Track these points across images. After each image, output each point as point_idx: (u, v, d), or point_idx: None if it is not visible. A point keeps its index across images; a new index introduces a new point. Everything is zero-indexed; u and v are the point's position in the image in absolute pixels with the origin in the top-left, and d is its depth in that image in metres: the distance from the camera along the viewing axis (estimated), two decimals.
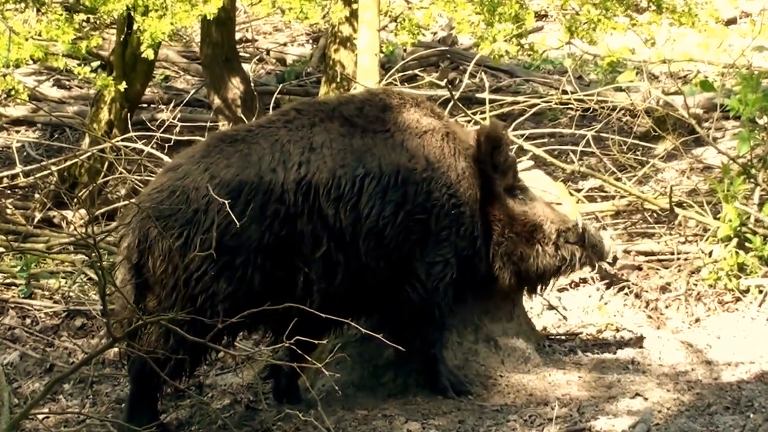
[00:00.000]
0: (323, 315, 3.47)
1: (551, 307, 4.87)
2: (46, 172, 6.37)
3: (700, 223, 5.32)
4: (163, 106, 8.00)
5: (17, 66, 5.86)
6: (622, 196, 5.72)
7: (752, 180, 5.22)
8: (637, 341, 4.52)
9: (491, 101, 6.12)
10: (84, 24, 6.80)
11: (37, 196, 6.54)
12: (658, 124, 6.26)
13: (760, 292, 4.84)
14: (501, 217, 3.94)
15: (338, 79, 6.36)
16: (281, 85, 7.52)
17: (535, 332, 4.48)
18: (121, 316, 3.68)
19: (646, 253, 5.36)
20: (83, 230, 5.31)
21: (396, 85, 6.05)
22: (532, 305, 4.74)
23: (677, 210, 5.33)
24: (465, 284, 3.93)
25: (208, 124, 7.06)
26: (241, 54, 7.88)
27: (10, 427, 3.30)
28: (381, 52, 5.86)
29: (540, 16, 8.65)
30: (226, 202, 3.50)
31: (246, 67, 7.38)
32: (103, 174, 6.24)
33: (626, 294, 4.99)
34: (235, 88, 6.84)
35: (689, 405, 3.77)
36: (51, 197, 6.32)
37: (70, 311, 5.13)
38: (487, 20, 5.65)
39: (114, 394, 4.40)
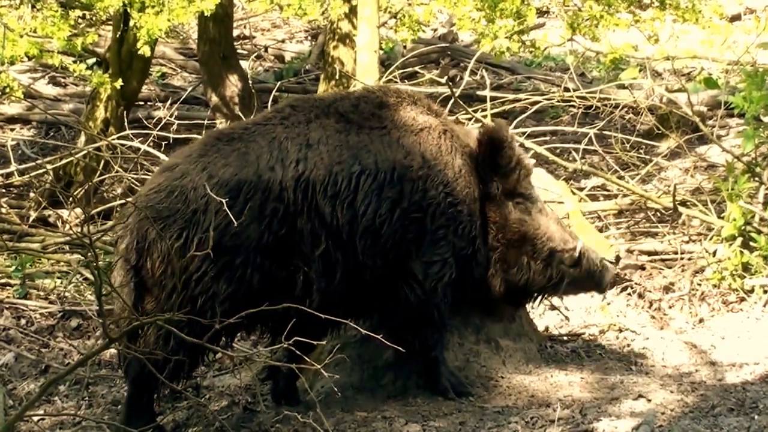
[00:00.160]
0: (322, 315, 3.43)
1: (553, 308, 4.84)
2: (41, 171, 6.36)
3: (704, 222, 5.30)
4: (159, 104, 7.97)
5: (12, 63, 5.84)
6: (624, 195, 5.69)
7: (757, 178, 5.22)
8: None
9: (492, 99, 6.09)
10: (80, 20, 6.76)
11: (32, 194, 6.54)
12: (661, 122, 6.24)
13: (765, 291, 4.83)
14: (496, 220, 3.89)
15: (337, 77, 6.32)
16: (279, 82, 7.47)
17: (537, 333, 4.46)
18: (120, 317, 3.65)
19: (649, 253, 5.34)
20: (79, 229, 5.28)
21: (396, 82, 6.02)
22: (534, 305, 4.69)
23: (681, 209, 5.31)
24: (465, 286, 3.89)
25: (206, 122, 7.02)
26: (238, 51, 7.86)
27: (6, 429, 3.28)
28: (381, 49, 5.83)
29: (542, 13, 8.61)
30: (225, 201, 3.48)
31: (244, 64, 7.36)
32: (99, 172, 6.21)
33: (629, 294, 4.98)
34: (233, 85, 6.80)
35: (693, 406, 3.75)
36: (46, 196, 6.31)
37: (65, 312, 5.12)
38: (488, 17, 5.61)
39: (110, 396, 4.39)
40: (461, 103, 5.69)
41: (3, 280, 5.43)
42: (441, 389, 3.91)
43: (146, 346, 3.60)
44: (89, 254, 3.23)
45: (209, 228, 3.53)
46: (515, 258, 3.89)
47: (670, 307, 4.88)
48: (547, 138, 6.62)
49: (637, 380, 4.04)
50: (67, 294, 5.26)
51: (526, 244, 3.90)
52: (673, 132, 6.06)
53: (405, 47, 8.06)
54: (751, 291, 4.85)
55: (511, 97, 6.50)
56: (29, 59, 6.35)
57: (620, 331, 4.68)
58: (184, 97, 8.01)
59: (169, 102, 7.88)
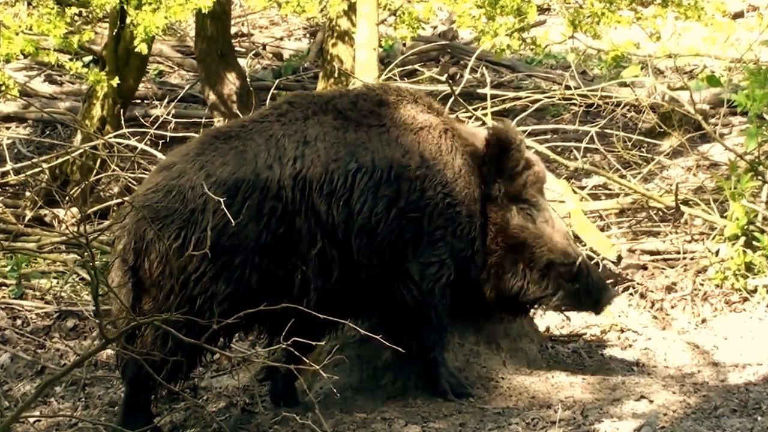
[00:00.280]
0: (320, 315, 3.41)
1: None
2: (37, 170, 6.32)
3: (706, 222, 5.28)
4: (156, 102, 7.93)
5: (7, 61, 5.81)
6: (626, 194, 5.67)
7: (760, 177, 5.19)
8: None
9: (493, 97, 6.06)
10: (76, 18, 6.74)
11: (28, 194, 6.51)
12: (663, 120, 6.21)
13: None
14: (497, 222, 3.84)
15: (336, 75, 6.28)
16: (278, 80, 7.45)
17: (538, 333, 4.45)
18: (117, 318, 3.63)
19: (651, 252, 5.32)
20: (75, 229, 5.24)
21: (395, 80, 5.98)
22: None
23: (683, 208, 5.28)
24: (464, 288, 3.85)
25: (203, 120, 6.99)
26: (236, 49, 7.82)
27: (1, 430, 3.23)
28: (380, 46, 5.81)
29: (542, 10, 8.57)
30: (223, 200, 3.45)
31: (242, 62, 7.33)
32: (95, 171, 6.17)
33: (631, 294, 4.96)
34: (231, 83, 6.76)
35: (695, 407, 3.73)
36: (42, 195, 6.29)
37: (61, 312, 5.10)
38: (488, 14, 5.57)
39: (107, 397, 4.38)
40: (461, 101, 5.66)
41: None
42: (440, 391, 3.89)
43: (144, 347, 3.58)
44: (86, 254, 3.23)
45: (207, 228, 3.50)
46: (511, 264, 3.84)
47: (672, 308, 4.87)
48: (548, 136, 6.59)
49: (639, 381, 4.03)
50: (63, 294, 5.25)
51: (524, 251, 3.84)
52: (675, 130, 6.03)
53: (404, 45, 8.03)
54: (754, 291, 4.83)
55: (511, 95, 6.46)
56: (25, 57, 6.33)
57: (622, 331, 4.66)
58: (181, 95, 7.96)
59: (166, 100, 7.84)
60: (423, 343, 3.83)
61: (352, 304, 3.80)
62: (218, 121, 6.71)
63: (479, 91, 7.03)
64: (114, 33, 6.34)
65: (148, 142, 6.15)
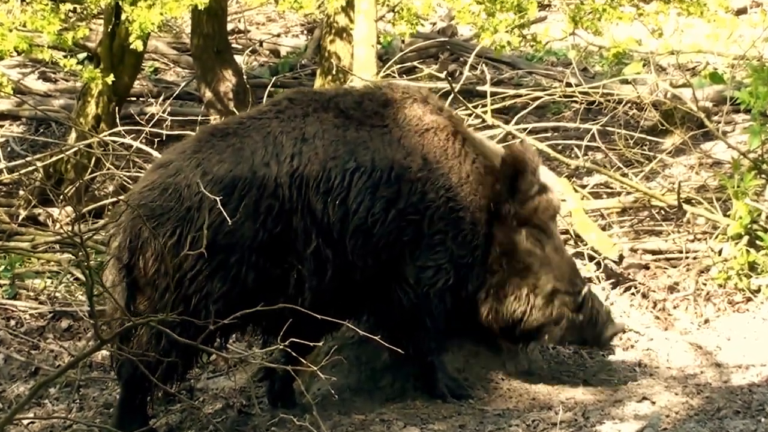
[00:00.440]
0: (317, 315, 3.36)
1: None
2: (31, 168, 6.29)
3: (709, 221, 5.25)
4: (152, 100, 7.87)
5: (1, 58, 5.76)
6: (628, 193, 5.63)
7: (763, 175, 5.17)
8: None
9: (493, 94, 6.01)
10: (70, 14, 6.68)
11: (21, 192, 6.48)
12: (665, 118, 6.16)
13: None
14: (502, 242, 3.78)
15: (334, 72, 6.23)
16: (275, 77, 7.41)
17: None
18: (112, 318, 3.61)
19: (653, 252, 5.30)
20: (70, 228, 5.16)
21: (394, 77, 5.92)
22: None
23: (685, 207, 5.24)
24: (459, 299, 3.79)
25: (199, 118, 6.93)
26: (233, 45, 7.78)
27: None
28: (378, 43, 5.76)
29: (543, 6, 8.55)
30: (219, 199, 3.43)
31: (238, 59, 7.27)
32: (90, 170, 6.12)
33: (633, 294, 4.94)
34: (227, 80, 6.72)
35: (698, 409, 3.70)
36: (36, 194, 6.24)
37: (56, 312, 5.08)
38: (488, 10, 5.54)
39: (102, 399, 4.37)
40: (461, 98, 5.61)
41: None
42: (438, 394, 3.86)
43: (139, 348, 3.56)
44: (80, 253, 3.19)
45: (203, 226, 3.47)
46: (515, 288, 3.78)
47: (674, 308, 4.84)
48: (549, 134, 6.54)
49: (641, 382, 4.01)
50: (57, 294, 5.23)
51: (530, 277, 3.79)
52: (677, 128, 6.00)
53: (403, 41, 7.99)
54: (758, 291, 4.80)
55: (511, 92, 6.41)
56: (18, 54, 6.27)
57: (624, 331, 4.62)
58: (177, 92, 7.93)
59: (161, 98, 7.79)
60: (419, 347, 3.80)
61: (347, 305, 3.77)
62: (214, 119, 6.66)
63: (479, 88, 6.99)
64: (109, 30, 6.30)
65: (144, 140, 6.10)
